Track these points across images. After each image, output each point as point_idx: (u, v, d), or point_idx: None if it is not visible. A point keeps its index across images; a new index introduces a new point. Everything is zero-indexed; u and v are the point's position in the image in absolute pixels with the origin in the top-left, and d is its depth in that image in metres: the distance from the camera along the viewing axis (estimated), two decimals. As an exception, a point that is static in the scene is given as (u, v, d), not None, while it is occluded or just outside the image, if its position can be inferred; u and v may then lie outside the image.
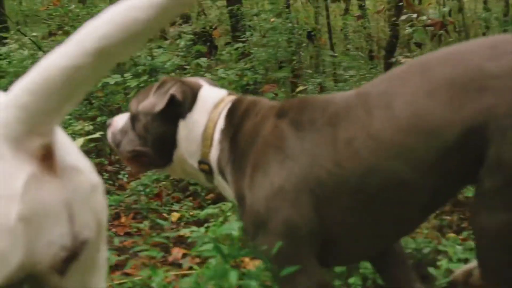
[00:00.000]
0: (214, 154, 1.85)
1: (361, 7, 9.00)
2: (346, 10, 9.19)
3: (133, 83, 3.86)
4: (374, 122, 1.59)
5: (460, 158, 1.52)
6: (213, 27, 5.69)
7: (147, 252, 2.39)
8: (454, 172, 1.55)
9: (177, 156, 1.92)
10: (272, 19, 5.05)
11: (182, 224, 3.10)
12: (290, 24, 4.90)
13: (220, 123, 1.85)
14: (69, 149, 1.00)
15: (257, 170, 1.72)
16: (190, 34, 4.90)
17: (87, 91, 0.94)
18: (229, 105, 1.88)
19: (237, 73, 4.06)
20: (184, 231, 2.54)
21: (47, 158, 0.92)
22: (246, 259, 2.41)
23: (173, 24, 5.43)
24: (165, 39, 5.55)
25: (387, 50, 6.76)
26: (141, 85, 3.79)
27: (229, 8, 5.64)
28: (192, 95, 1.89)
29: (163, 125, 1.88)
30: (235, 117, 1.84)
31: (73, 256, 0.96)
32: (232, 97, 1.92)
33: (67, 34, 6.05)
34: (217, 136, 1.85)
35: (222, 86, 2.41)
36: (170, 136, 1.89)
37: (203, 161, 1.88)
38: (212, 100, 1.90)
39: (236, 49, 4.83)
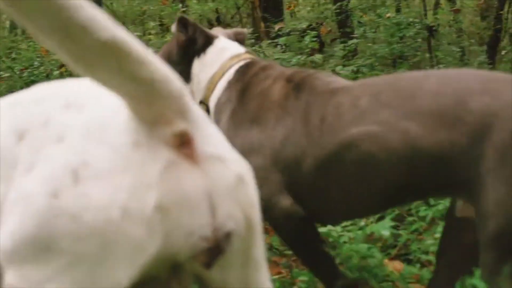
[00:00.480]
0: (213, 99, 2.01)
1: (450, 0, 8.82)
2: (436, 5, 9.05)
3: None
4: (362, 102, 1.69)
5: (423, 174, 1.60)
6: (321, 23, 5.67)
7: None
8: (412, 182, 1.63)
9: (190, 91, 2.07)
10: (387, 15, 4.96)
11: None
12: (410, 19, 4.81)
13: (229, 74, 1.99)
14: (213, 138, 0.96)
15: (256, 123, 1.84)
16: (300, 31, 4.89)
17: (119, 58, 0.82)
18: (243, 62, 2.01)
19: (353, 70, 4.02)
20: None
21: (184, 146, 0.89)
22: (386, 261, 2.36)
23: (280, 20, 5.45)
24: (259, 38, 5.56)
25: (489, 45, 6.58)
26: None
27: (338, 4, 5.61)
28: (205, 36, 2.05)
29: (181, 61, 2.06)
30: (247, 74, 1.96)
31: (218, 249, 0.92)
32: (250, 56, 2.07)
33: (165, 33, 6.20)
34: (222, 84, 1.99)
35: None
36: (186, 71, 2.07)
37: (203, 102, 2.06)
38: (229, 52, 2.05)
39: (350, 45, 4.80)
